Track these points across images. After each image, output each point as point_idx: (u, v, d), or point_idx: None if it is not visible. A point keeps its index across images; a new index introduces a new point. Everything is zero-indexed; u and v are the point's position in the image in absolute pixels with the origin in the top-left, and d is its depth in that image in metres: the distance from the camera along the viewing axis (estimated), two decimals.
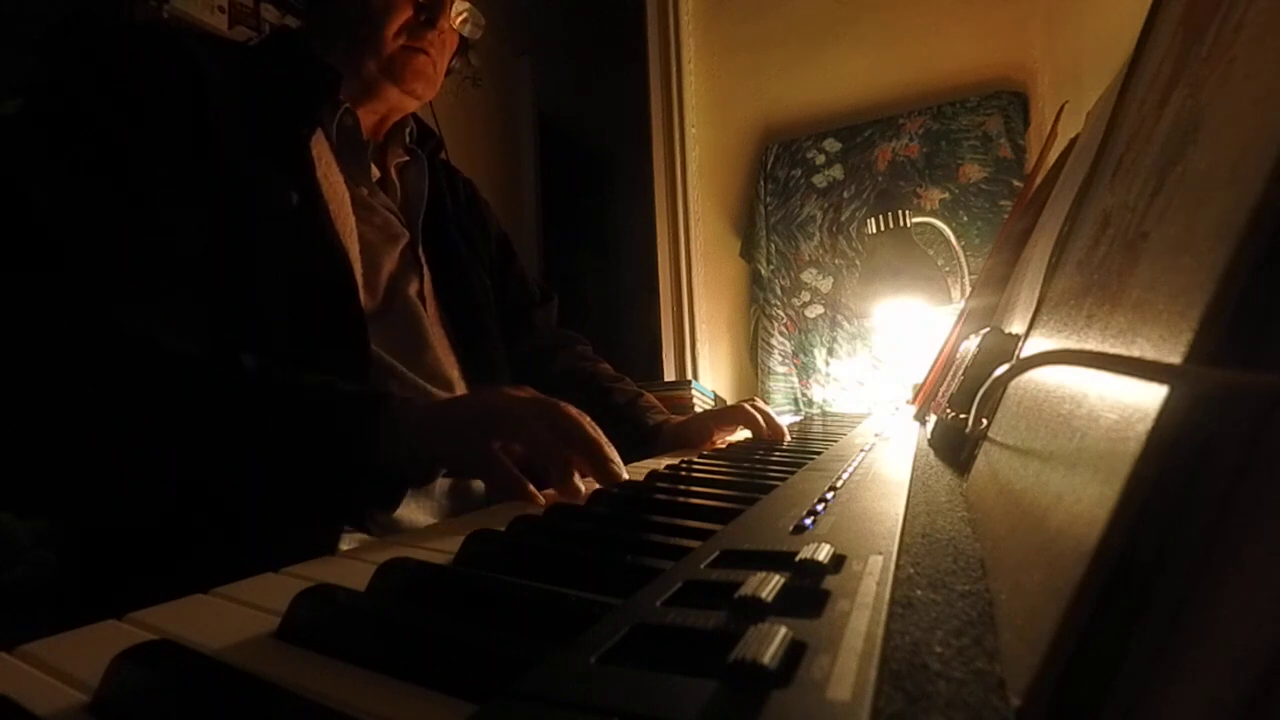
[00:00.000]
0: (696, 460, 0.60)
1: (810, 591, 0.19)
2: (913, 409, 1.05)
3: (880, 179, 1.67)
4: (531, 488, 0.44)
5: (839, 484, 0.38)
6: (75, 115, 0.50)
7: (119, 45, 0.54)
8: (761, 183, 1.81)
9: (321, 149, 0.64)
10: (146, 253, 0.49)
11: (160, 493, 0.44)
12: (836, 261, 1.72)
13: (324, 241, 0.59)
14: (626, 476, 0.46)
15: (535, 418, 0.45)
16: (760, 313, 1.82)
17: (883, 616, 0.17)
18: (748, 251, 1.85)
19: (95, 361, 0.43)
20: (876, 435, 0.71)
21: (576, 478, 0.45)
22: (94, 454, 0.43)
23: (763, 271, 1.80)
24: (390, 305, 0.67)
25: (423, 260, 0.73)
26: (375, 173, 0.73)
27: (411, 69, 0.68)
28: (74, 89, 0.51)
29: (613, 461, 0.46)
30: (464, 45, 0.77)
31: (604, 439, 0.46)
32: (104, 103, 0.51)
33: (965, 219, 1.55)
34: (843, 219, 1.71)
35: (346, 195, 0.64)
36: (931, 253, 1.55)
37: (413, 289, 0.70)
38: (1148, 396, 0.14)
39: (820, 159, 1.74)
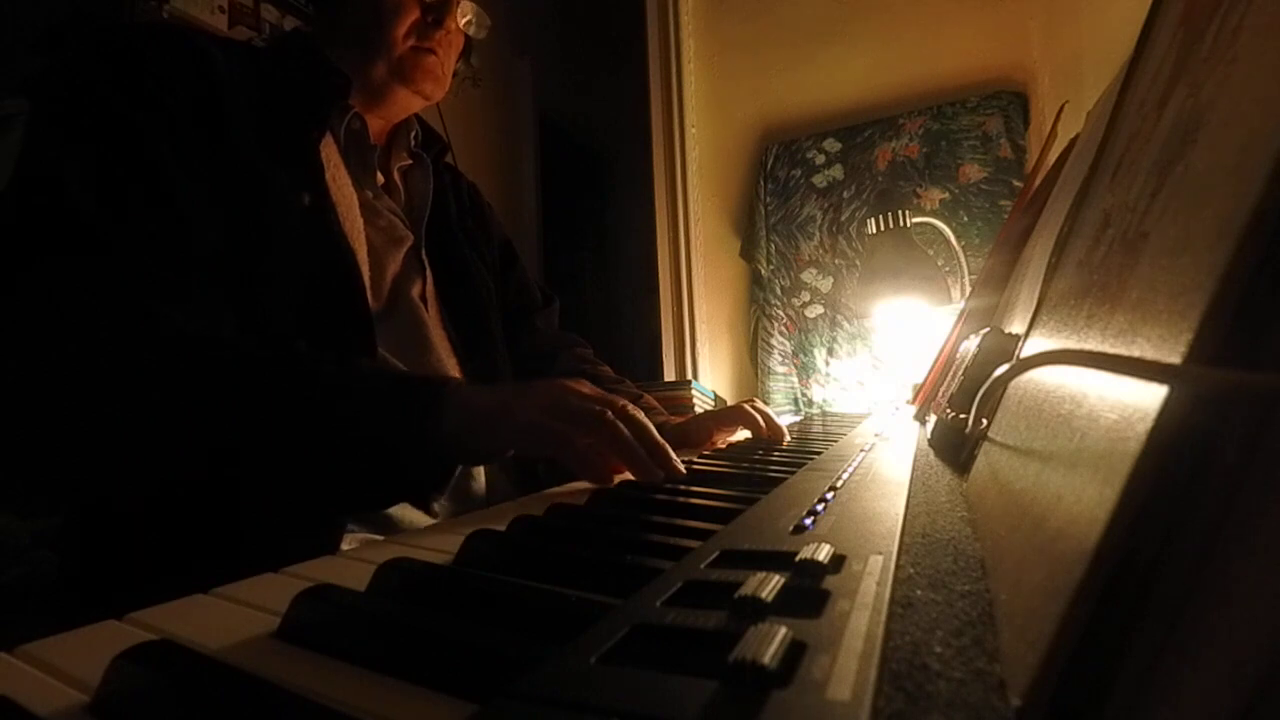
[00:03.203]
0: (696, 460, 0.60)
1: (810, 591, 0.19)
2: (913, 409, 1.05)
3: (880, 179, 1.67)
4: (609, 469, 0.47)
5: (839, 484, 0.38)
6: (97, 114, 0.50)
7: (136, 43, 0.54)
8: (761, 183, 1.81)
9: (330, 152, 0.64)
10: (175, 251, 0.50)
11: (201, 480, 0.45)
12: (836, 261, 1.72)
13: (333, 243, 0.60)
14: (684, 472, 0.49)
15: (605, 414, 0.47)
16: (760, 313, 1.82)
17: (883, 616, 0.17)
18: (748, 251, 1.84)
19: (139, 354, 0.44)
20: (876, 435, 0.71)
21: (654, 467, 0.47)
22: (138, 444, 0.43)
23: (763, 271, 1.80)
24: (394, 307, 0.68)
25: (426, 263, 0.73)
26: (379, 177, 0.73)
27: (421, 69, 0.69)
28: (94, 87, 0.51)
29: (675, 461, 0.48)
30: (468, 47, 0.77)
31: (664, 443, 0.49)
32: (124, 100, 0.51)
33: (965, 219, 1.55)
34: (843, 219, 1.71)
35: (354, 198, 0.65)
36: (931, 253, 1.54)
37: (415, 291, 0.71)
38: (1148, 396, 0.14)
39: (820, 159, 1.74)
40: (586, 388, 0.50)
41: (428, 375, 0.48)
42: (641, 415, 0.48)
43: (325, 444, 0.43)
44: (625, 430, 0.46)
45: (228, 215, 0.53)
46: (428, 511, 0.61)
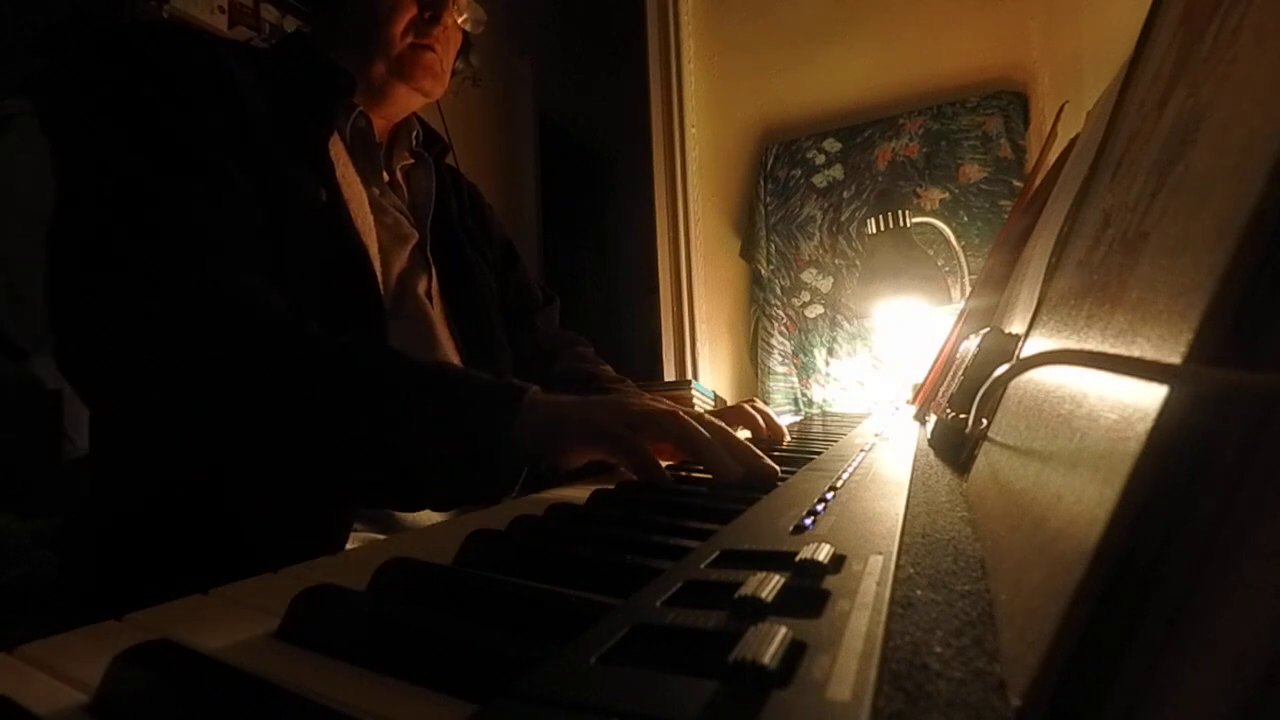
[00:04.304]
0: None
1: (810, 591, 0.19)
2: (913, 409, 1.05)
3: (880, 179, 1.67)
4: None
5: (839, 484, 0.38)
6: (115, 112, 0.50)
7: (137, 42, 0.55)
8: (761, 183, 1.81)
9: (338, 150, 0.65)
10: (245, 228, 0.51)
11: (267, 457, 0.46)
12: (836, 261, 1.72)
13: (347, 239, 0.60)
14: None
15: (677, 414, 0.47)
16: (760, 313, 1.82)
17: (883, 616, 0.17)
18: (748, 251, 1.84)
19: (240, 333, 0.46)
20: (876, 435, 0.71)
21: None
22: (237, 416, 0.45)
23: (763, 271, 1.80)
24: (401, 303, 0.68)
25: (431, 260, 0.74)
26: (384, 175, 0.73)
27: (420, 66, 0.69)
28: (101, 86, 0.51)
29: (764, 459, 0.46)
30: (466, 45, 0.78)
31: (752, 449, 0.47)
32: (134, 97, 0.51)
33: (965, 219, 1.55)
34: (843, 219, 1.71)
35: (364, 195, 0.65)
36: (931, 253, 1.54)
37: (421, 288, 0.71)
38: (1148, 396, 0.14)
39: (820, 159, 1.74)
40: (664, 403, 0.50)
41: (508, 380, 0.49)
42: (720, 423, 0.47)
43: (405, 438, 0.44)
44: (698, 426, 0.45)
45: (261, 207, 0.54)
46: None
